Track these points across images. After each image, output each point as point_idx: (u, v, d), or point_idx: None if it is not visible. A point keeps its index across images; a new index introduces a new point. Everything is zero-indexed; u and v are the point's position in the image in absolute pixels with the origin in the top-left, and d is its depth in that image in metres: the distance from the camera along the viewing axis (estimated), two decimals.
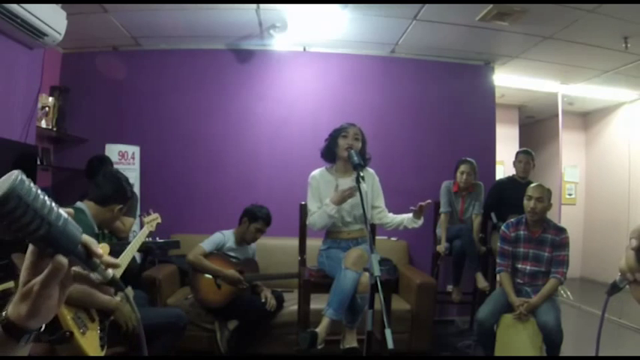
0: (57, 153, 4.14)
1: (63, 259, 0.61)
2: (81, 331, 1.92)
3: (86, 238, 0.64)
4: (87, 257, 0.64)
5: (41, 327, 0.65)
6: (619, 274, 0.88)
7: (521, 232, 2.90)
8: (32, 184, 0.57)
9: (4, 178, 0.56)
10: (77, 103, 4.09)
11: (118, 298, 2.20)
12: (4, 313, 0.63)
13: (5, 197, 0.54)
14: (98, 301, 2.10)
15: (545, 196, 2.82)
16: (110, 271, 0.67)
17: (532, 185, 2.92)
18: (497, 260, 2.97)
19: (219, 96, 4.27)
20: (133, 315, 2.18)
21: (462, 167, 3.83)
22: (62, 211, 0.61)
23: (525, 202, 2.86)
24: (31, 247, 0.62)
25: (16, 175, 0.56)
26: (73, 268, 0.63)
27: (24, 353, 0.66)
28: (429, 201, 2.51)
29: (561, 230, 2.84)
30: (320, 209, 2.57)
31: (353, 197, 2.48)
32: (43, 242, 0.59)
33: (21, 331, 0.62)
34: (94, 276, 0.66)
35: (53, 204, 0.60)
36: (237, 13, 3.57)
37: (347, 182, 2.56)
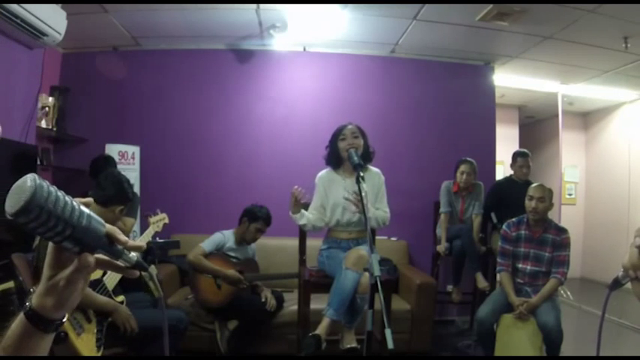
0: (57, 153, 4.14)
1: (90, 259, 0.62)
2: (76, 332, 1.92)
3: (109, 228, 0.64)
4: (111, 246, 0.64)
5: (65, 316, 0.67)
6: (621, 270, 0.88)
7: (522, 232, 2.90)
8: (50, 187, 0.55)
9: (19, 183, 0.54)
10: (77, 103, 4.09)
11: (119, 299, 2.21)
12: (27, 305, 0.64)
13: (26, 208, 0.52)
14: (95, 302, 2.12)
15: (547, 196, 2.82)
16: (133, 254, 0.68)
17: (533, 185, 2.92)
18: (498, 260, 2.97)
19: (219, 96, 4.27)
20: (132, 319, 2.18)
21: (462, 167, 3.83)
22: (84, 208, 0.60)
23: (527, 202, 2.86)
24: (51, 243, 0.62)
25: (32, 180, 0.54)
26: (96, 256, 0.64)
27: (48, 343, 0.67)
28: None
29: (562, 230, 2.84)
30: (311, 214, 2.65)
31: (305, 200, 2.52)
32: (69, 243, 0.59)
33: (47, 321, 0.64)
34: (118, 262, 0.67)
35: (74, 202, 0.58)
36: (237, 13, 3.57)
37: (353, 182, 2.55)
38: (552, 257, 2.80)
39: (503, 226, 3.00)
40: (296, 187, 2.49)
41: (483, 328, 2.78)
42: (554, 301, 2.78)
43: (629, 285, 0.91)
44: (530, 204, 2.84)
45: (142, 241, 2.52)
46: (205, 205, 4.15)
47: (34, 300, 0.64)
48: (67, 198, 0.57)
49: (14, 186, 0.54)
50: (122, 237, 0.65)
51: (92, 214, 0.61)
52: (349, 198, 2.50)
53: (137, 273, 0.69)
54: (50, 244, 0.62)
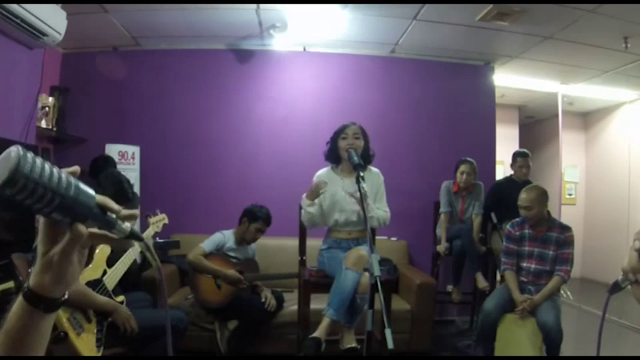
0: (57, 153, 4.13)
1: (82, 228, 0.60)
2: (76, 332, 1.92)
3: (100, 198, 0.63)
4: (103, 216, 0.63)
5: (65, 294, 0.65)
6: (621, 273, 0.88)
7: (526, 231, 2.90)
8: (36, 158, 0.54)
9: (3, 155, 0.53)
10: (77, 103, 4.09)
11: (119, 299, 2.21)
12: (25, 285, 0.62)
13: (11, 178, 0.51)
14: (95, 302, 2.12)
15: (534, 202, 2.81)
16: (127, 224, 0.66)
17: (522, 191, 2.92)
18: (502, 259, 2.97)
19: (219, 96, 4.27)
20: (132, 319, 2.18)
21: (462, 167, 3.83)
22: (71, 178, 0.59)
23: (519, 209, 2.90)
24: (42, 219, 0.61)
25: (16, 152, 0.52)
26: (89, 229, 0.62)
27: (50, 324, 0.66)
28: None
29: (566, 228, 2.85)
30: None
31: (324, 191, 2.58)
32: (58, 214, 0.58)
33: (46, 300, 0.63)
34: (112, 233, 0.65)
35: (62, 173, 0.57)
36: (237, 13, 3.57)
37: (351, 182, 2.55)
38: (556, 256, 2.81)
39: (507, 226, 3.01)
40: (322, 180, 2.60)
41: (487, 321, 2.78)
42: (555, 300, 2.77)
43: (629, 286, 0.91)
44: (520, 212, 2.88)
45: None
46: (205, 205, 4.15)
47: (31, 280, 0.62)
48: (55, 169, 0.56)
49: None
50: (114, 205, 0.64)
51: (81, 183, 0.60)
52: (354, 195, 2.49)
53: (132, 243, 0.69)
54: (41, 221, 0.61)
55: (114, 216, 0.64)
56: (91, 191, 0.62)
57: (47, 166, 0.55)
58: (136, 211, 0.69)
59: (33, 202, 0.54)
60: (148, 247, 0.74)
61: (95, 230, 0.64)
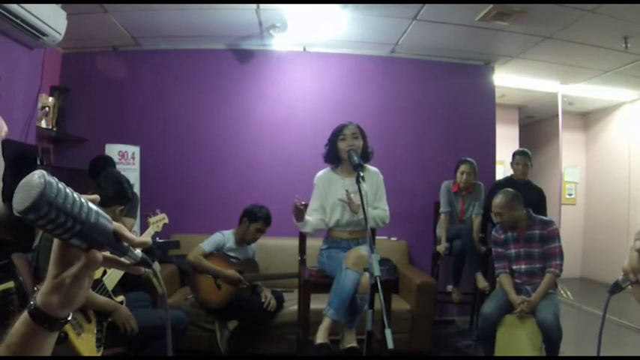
0: (57, 153, 4.14)
1: (98, 255, 0.61)
2: (76, 332, 1.92)
3: (117, 226, 0.64)
4: (118, 243, 0.64)
5: (70, 314, 0.66)
6: (622, 274, 0.88)
7: (509, 234, 2.92)
8: (59, 184, 0.55)
9: (27, 180, 0.53)
10: (77, 103, 4.09)
11: (118, 299, 2.21)
12: (32, 303, 0.63)
13: (35, 205, 0.52)
14: (95, 302, 2.13)
15: (504, 207, 2.83)
16: (138, 250, 0.67)
17: (494, 197, 2.93)
18: (495, 264, 2.98)
19: (219, 96, 4.27)
20: (132, 319, 2.18)
21: (462, 167, 3.83)
22: (92, 205, 0.60)
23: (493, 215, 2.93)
24: (57, 240, 0.62)
25: (41, 176, 0.53)
26: (103, 253, 0.63)
27: (52, 342, 0.66)
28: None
29: (547, 223, 2.85)
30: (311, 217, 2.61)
31: (301, 211, 2.47)
32: (77, 240, 0.58)
33: (52, 319, 0.63)
34: (124, 259, 0.66)
35: (82, 199, 0.58)
36: (237, 13, 3.57)
37: (352, 182, 2.55)
38: (543, 252, 2.81)
39: (492, 231, 3.03)
40: (296, 197, 2.46)
41: (487, 324, 2.79)
42: (552, 298, 2.77)
43: (629, 286, 0.91)
44: (494, 218, 2.92)
45: None
46: (205, 205, 4.15)
47: (38, 298, 0.63)
48: (76, 194, 0.57)
49: (22, 182, 0.53)
50: (129, 234, 0.65)
51: (100, 210, 0.61)
52: (342, 198, 2.51)
53: (142, 270, 0.69)
54: (55, 242, 0.62)
55: (126, 243, 0.66)
56: (109, 218, 0.63)
57: (69, 192, 0.56)
58: (149, 239, 0.70)
59: (54, 227, 0.55)
60: (156, 273, 0.75)
61: (107, 254, 0.64)
